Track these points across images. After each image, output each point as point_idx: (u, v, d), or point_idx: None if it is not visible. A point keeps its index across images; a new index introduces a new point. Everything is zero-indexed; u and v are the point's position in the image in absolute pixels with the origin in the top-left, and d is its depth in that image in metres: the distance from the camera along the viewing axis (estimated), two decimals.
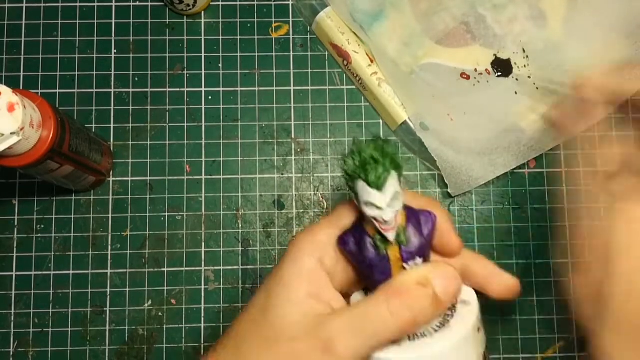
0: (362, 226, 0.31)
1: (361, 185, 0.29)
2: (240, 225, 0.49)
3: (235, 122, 0.50)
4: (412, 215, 0.31)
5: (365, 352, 0.28)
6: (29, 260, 0.48)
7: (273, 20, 0.52)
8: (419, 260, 0.30)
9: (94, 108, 0.50)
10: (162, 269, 0.48)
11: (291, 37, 0.52)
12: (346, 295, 0.32)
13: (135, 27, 0.51)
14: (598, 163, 0.36)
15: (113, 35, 0.51)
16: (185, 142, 0.50)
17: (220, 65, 0.51)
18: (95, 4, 0.51)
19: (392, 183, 0.29)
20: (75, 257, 0.48)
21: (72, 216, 0.48)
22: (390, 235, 0.29)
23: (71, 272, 0.48)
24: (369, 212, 0.29)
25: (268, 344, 0.29)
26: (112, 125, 0.50)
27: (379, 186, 0.28)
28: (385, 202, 0.28)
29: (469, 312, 0.31)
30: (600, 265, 0.32)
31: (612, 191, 0.33)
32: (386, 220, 0.29)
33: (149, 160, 0.49)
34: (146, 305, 0.48)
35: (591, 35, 0.49)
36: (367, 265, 0.30)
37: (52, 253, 0.48)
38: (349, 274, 0.32)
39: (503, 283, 0.34)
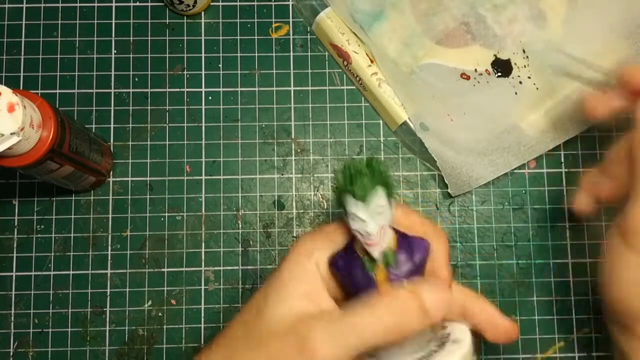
0: (352, 247, 0.31)
1: (348, 198, 0.29)
2: (240, 226, 0.49)
3: (235, 123, 0.50)
4: (404, 240, 0.31)
5: (345, 356, 0.27)
6: (29, 260, 0.48)
7: (273, 20, 0.52)
8: (405, 283, 0.30)
9: (94, 108, 0.50)
10: (162, 269, 0.48)
11: (291, 37, 0.52)
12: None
13: (135, 27, 0.51)
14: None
15: (113, 35, 0.51)
16: (185, 142, 0.50)
17: (220, 65, 0.51)
18: (95, 4, 0.51)
19: (379, 197, 0.29)
20: (75, 258, 0.48)
21: (72, 216, 0.48)
22: (375, 252, 0.29)
23: (71, 272, 0.48)
24: (353, 225, 0.29)
25: (255, 342, 0.29)
26: (112, 126, 0.50)
27: (363, 197, 0.28)
28: (368, 214, 0.29)
29: (458, 350, 0.30)
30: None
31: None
32: (369, 232, 0.29)
33: (149, 161, 0.49)
34: (146, 305, 0.48)
35: (591, 35, 0.49)
36: (353, 284, 0.30)
37: (52, 253, 0.48)
38: (339, 290, 0.32)
39: (502, 329, 0.33)
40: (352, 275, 0.30)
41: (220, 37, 0.51)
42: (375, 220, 0.29)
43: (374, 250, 0.29)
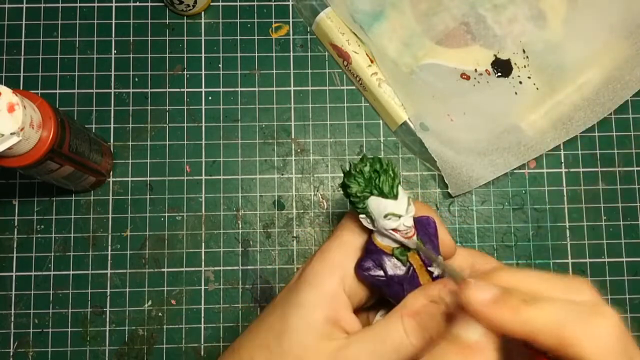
0: (375, 248, 0.31)
1: (375, 201, 0.29)
2: (240, 226, 0.49)
3: (235, 123, 0.50)
4: (414, 221, 0.31)
5: None
6: (29, 260, 0.48)
7: (273, 20, 0.52)
8: (440, 259, 0.31)
9: (94, 108, 0.50)
10: (162, 270, 0.48)
11: (291, 37, 0.52)
12: (357, 311, 0.32)
13: (135, 27, 0.51)
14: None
15: (113, 35, 0.51)
16: (185, 142, 0.50)
17: (220, 65, 0.51)
18: (95, 4, 0.51)
19: (402, 190, 0.29)
20: (75, 258, 0.48)
21: (72, 216, 0.48)
22: (412, 242, 0.30)
23: (71, 272, 0.48)
24: (390, 224, 0.29)
25: None
26: (112, 126, 0.50)
27: (395, 195, 0.29)
28: (404, 209, 0.29)
29: None
30: None
31: None
32: (408, 226, 0.29)
33: (149, 161, 0.49)
34: (146, 305, 0.48)
35: (591, 35, 0.49)
36: (395, 282, 0.30)
37: (52, 253, 0.48)
38: (365, 292, 0.32)
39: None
40: (389, 275, 0.30)
41: (220, 37, 0.51)
42: (409, 213, 0.29)
43: (412, 240, 0.30)
